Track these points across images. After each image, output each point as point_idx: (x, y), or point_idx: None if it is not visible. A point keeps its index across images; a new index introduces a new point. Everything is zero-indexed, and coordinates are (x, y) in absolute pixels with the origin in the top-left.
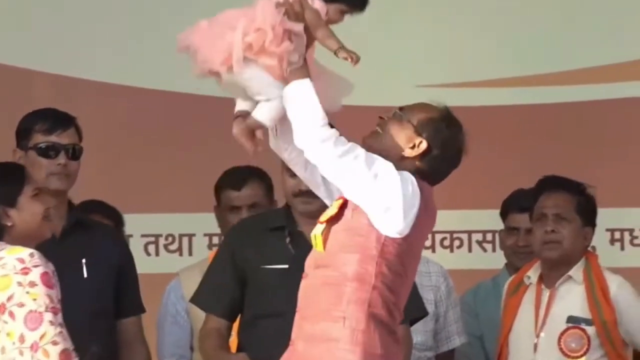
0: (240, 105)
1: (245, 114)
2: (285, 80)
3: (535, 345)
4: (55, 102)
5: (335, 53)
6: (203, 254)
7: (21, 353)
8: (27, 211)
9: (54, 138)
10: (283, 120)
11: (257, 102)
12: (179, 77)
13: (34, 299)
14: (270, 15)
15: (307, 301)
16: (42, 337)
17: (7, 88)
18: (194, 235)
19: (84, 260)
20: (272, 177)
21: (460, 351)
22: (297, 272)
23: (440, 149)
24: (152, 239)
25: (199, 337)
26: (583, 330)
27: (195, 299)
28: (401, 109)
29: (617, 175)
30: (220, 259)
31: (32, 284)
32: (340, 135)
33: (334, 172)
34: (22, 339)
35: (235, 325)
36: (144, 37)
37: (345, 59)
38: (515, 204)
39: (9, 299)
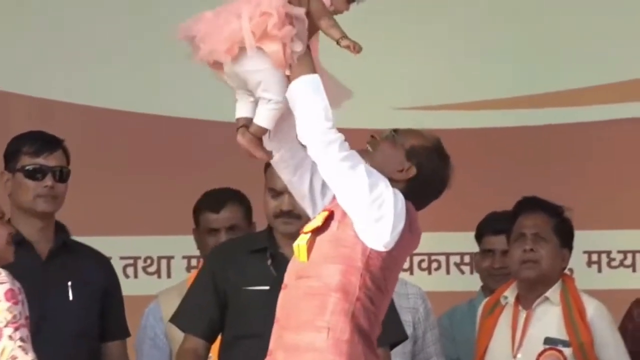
0: (241, 111)
1: (249, 122)
2: (289, 68)
3: None
4: (33, 125)
5: (337, 42)
6: (182, 276)
7: None
8: None
9: (41, 160)
10: (280, 120)
11: (256, 101)
12: (158, 100)
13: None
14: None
15: (287, 311)
16: (1, 352)
17: None
18: (172, 257)
19: (69, 283)
20: (250, 199)
21: None
22: (278, 293)
23: (427, 177)
24: (131, 261)
25: (177, 354)
26: (560, 351)
27: (175, 319)
28: (395, 131)
29: (593, 197)
30: (201, 280)
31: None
32: (345, 140)
33: (334, 175)
34: None
35: (215, 346)
36: (123, 60)
37: (348, 47)
38: (490, 226)
39: None
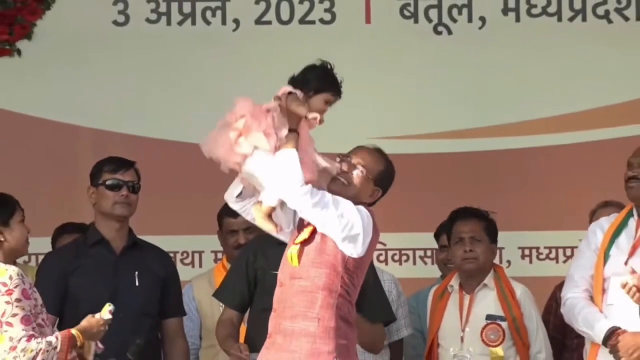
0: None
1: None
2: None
3: (462, 338)
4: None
5: (305, 117)
6: (210, 266)
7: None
8: (17, 231)
9: (119, 176)
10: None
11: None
12: (189, 130)
13: (24, 309)
14: (247, 104)
15: (284, 305)
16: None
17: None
18: (203, 252)
19: (137, 273)
20: None
21: (407, 341)
22: None
23: (385, 192)
24: (172, 254)
25: (217, 323)
26: (499, 325)
27: (216, 295)
28: (364, 165)
29: (527, 206)
30: (237, 265)
31: (19, 300)
32: (314, 187)
33: (311, 216)
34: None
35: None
36: (170, 95)
37: (314, 119)
38: (445, 229)
39: (3, 315)
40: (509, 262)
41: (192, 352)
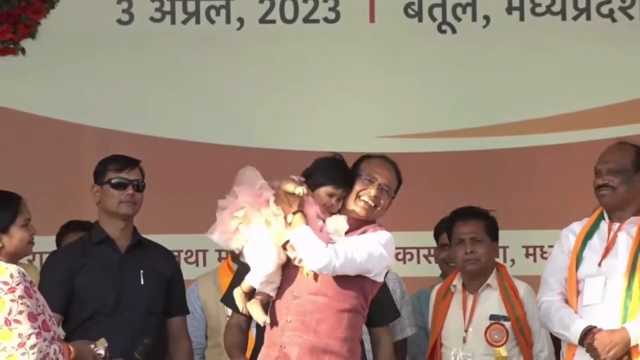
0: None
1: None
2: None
3: (464, 338)
4: (101, 151)
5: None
6: (214, 265)
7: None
8: (16, 237)
9: (123, 175)
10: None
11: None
12: (192, 128)
13: (28, 305)
14: (246, 194)
15: (304, 318)
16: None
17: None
18: (207, 250)
19: (142, 271)
20: None
21: (410, 339)
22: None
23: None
24: (176, 253)
25: (225, 327)
26: (502, 325)
27: (223, 300)
28: (387, 185)
29: (531, 205)
30: (243, 269)
31: (22, 297)
32: (334, 243)
33: (343, 270)
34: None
35: None
36: (180, 95)
37: (303, 194)
38: (444, 228)
39: (9, 313)
40: (512, 260)
41: (197, 351)
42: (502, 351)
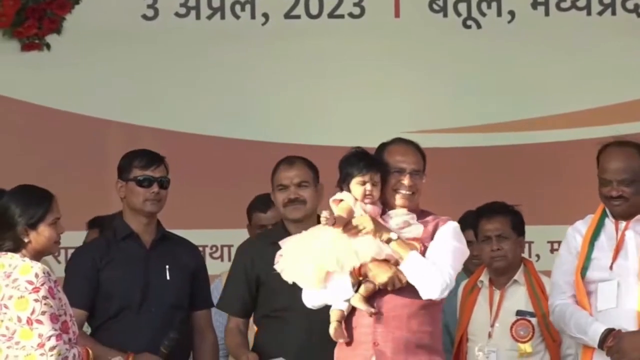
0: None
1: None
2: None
3: (490, 334)
4: (127, 147)
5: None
6: None
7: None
8: (44, 235)
9: (149, 172)
10: None
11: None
12: (220, 124)
13: (51, 306)
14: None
15: (394, 314)
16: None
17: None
18: (232, 245)
19: (167, 266)
20: None
21: None
22: None
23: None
24: (201, 248)
25: (225, 332)
26: (528, 321)
27: (219, 305)
28: (416, 169)
29: (556, 200)
30: (234, 272)
31: (45, 298)
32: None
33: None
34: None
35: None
36: (200, 92)
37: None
38: (468, 222)
39: (32, 312)
40: (537, 255)
41: (223, 346)
42: (527, 347)
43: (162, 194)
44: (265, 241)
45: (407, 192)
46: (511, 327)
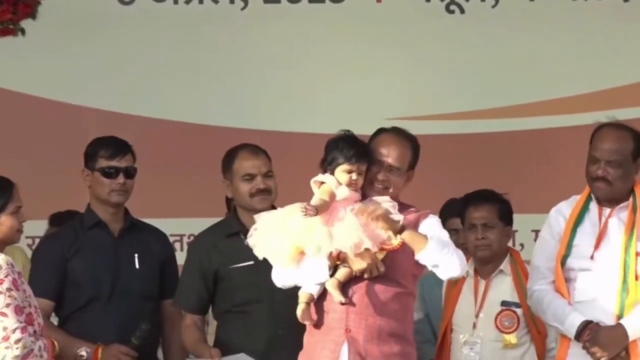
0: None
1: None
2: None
3: (474, 324)
4: (101, 133)
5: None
6: None
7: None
8: (5, 225)
9: (114, 162)
10: None
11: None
12: (193, 110)
13: (15, 298)
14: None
15: (368, 301)
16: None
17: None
18: None
19: (136, 255)
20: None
21: (414, 325)
22: (261, 265)
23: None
24: (178, 237)
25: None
26: (514, 311)
27: (174, 302)
28: (396, 166)
29: (540, 188)
30: (189, 266)
31: (9, 290)
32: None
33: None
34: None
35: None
36: (174, 77)
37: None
38: (452, 210)
39: None
40: (522, 245)
41: None
42: (512, 338)
43: (128, 184)
44: (221, 233)
45: (379, 186)
46: (496, 318)
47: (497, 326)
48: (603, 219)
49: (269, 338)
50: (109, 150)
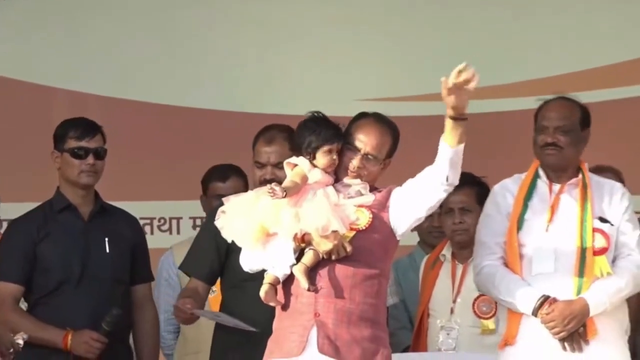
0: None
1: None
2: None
3: (452, 309)
4: (72, 114)
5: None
6: (188, 233)
7: None
8: None
9: (84, 143)
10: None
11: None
12: (168, 92)
13: None
14: None
15: (335, 283)
16: None
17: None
18: (181, 218)
19: (106, 239)
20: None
21: (390, 313)
22: None
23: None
24: (148, 221)
25: (180, 293)
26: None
27: (182, 266)
28: (372, 154)
29: (520, 170)
30: (204, 234)
31: None
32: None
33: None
34: None
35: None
36: (154, 58)
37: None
38: None
39: None
40: None
41: (172, 321)
42: (490, 324)
43: (98, 165)
44: None
45: (353, 173)
46: (473, 303)
47: (474, 311)
48: (553, 195)
49: (272, 312)
50: (78, 131)
